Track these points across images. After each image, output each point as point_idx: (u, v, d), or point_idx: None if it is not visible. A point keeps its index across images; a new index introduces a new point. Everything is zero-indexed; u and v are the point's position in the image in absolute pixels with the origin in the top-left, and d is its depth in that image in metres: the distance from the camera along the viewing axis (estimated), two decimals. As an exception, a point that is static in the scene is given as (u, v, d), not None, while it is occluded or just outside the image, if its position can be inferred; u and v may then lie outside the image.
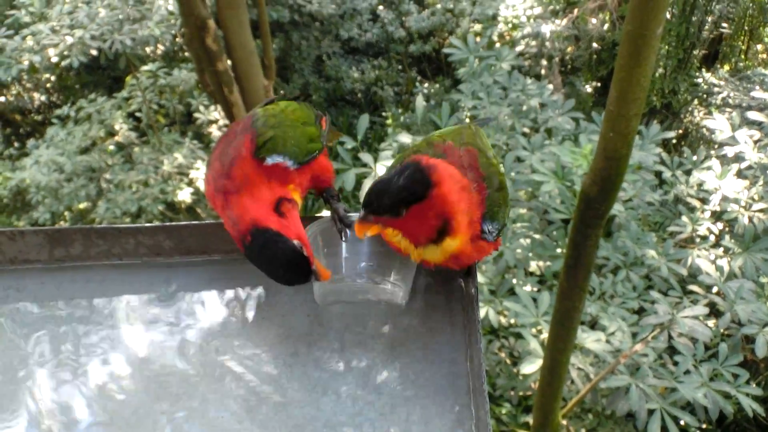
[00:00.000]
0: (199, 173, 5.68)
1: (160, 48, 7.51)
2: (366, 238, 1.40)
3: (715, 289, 3.56)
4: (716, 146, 4.72)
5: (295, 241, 1.22)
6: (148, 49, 7.11)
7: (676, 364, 3.30)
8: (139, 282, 1.49)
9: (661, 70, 7.69)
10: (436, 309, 1.40)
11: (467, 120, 5.94)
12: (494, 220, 1.23)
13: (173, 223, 1.52)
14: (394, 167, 1.24)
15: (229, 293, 1.46)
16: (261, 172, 1.29)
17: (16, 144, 7.92)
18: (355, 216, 1.45)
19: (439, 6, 8.94)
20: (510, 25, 8.11)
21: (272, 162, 1.30)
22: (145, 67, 6.70)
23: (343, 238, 1.43)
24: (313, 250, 1.31)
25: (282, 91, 8.43)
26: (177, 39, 7.50)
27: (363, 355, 1.32)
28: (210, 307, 1.44)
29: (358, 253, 1.43)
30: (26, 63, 5.89)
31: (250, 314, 1.42)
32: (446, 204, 1.17)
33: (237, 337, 1.37)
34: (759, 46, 8.94)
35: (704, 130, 6.81)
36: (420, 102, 4.18)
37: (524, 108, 4.12)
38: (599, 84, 8.46)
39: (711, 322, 3.69)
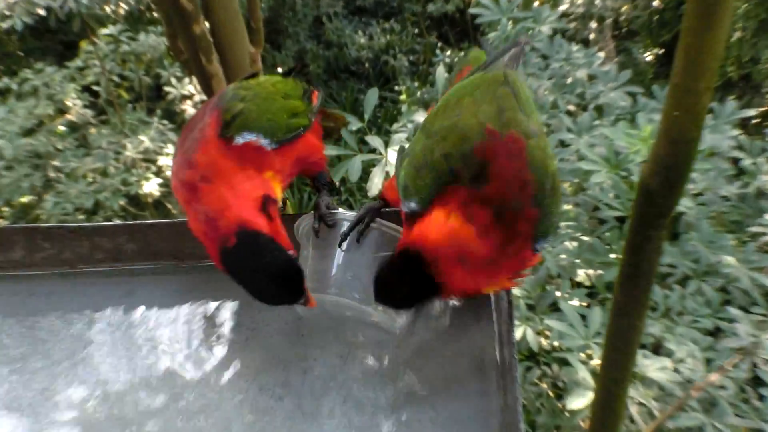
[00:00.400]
0: (169, 160, 5.68)
1: (123, 7, 7.52)
2: (365, 245, 1.40)
3: (807, 305, 3.54)
4: (808, 128, 4.68)
5: (290, 252, 1.22)
6: (107, 9, 7.11)
7: (761, 398, 3.28)
8: (95, 294, 1.48)
9: (738, 34, 7.65)
10: (462, 329, 1.38)
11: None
12: (547, 235, 1.25)
13: (137, 222, 1.52)
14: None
15: (206, 308, 1.46)
16: (230, 156, 1.28)
17: (-55, 124, 7.97)
18: (343, 214, 1.44)
19: (464, -45, 8.94)
20: (552, -21, 8.09)
21: (242, 141, 1.30)
22: (104, 31, 6.71)
23: (318, 236, 1.42)
24: (300, 249, 1.31)
25: (281, 68, 8.42)
26: (143, -4, 7.52)
27: (372, 386, 1.31)
28: (182, 324, 1.43)
29: (350, 262, 1.41)
30: (-42, 25, 5.91)
31: (232, 335, 1.41)
32: (462, 289, 1.23)
33: (215, 362, 1.36)
34: None
35: (793, 107, 6.77)
36: (441, 74, 4.16)
37: (569, 81, 4.09)
38: (662, 51, 8.41)
39: (803, 346, 3.67)
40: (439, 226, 1.20)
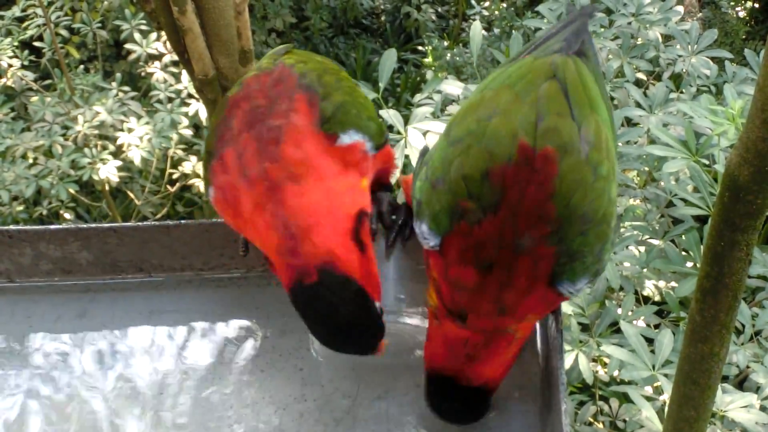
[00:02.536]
0: (131, 137, 5.69)
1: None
2: (397, 256, 1.41)
3: None
4: None
5: (377, 304, 1.23)
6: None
7: None
8: (39, 314, 1.48)
9: None
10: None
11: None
12: (578, 278, 1.26)
13: (93, 226, 1.51)
14: None
15: (179, 332, 1.46)
16: (331, 156, 1.26)
17: None
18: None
19: None
20: None
21: (350, 141, 1.28)
22: (49, -28, 6.72)
23: (385, 242, 1.41)
24: None
25: (273, 20, 8.41)
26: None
27: (386, 433, 1.32)
28: (149, 353, 1.44)
29: (385, 277, 1.41)
30: None
31: (212, 367, 1.42)
32: (501, 376, 1.34)
33: (189, 401, 1.36)
34: None
35: None
36: (477, 31, 4.18)
37: (638, 42, 4.10)
38: (757, 5, 8.39)
39: None
40: (436, 338, 1.29)
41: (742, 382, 3.54)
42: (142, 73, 6.71)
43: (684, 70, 3.99)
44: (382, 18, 9.30)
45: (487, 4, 8.86)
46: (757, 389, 3.30)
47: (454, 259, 1.21)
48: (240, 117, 1.29)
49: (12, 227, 1.51)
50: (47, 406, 1.36)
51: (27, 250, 1.49)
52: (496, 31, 7.95)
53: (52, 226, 1.51)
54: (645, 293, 3.80)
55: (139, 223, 1.48)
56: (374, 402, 1.35)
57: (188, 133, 5.62)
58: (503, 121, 1.23)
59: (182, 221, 1.51)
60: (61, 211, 5.75)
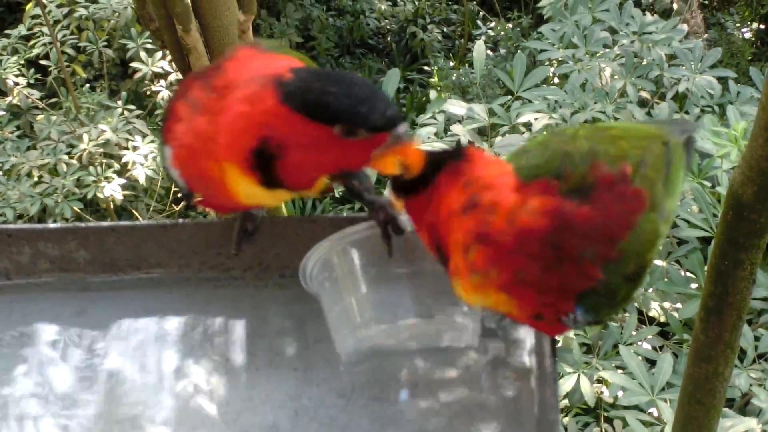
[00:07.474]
0: (136, 156, 5.70)
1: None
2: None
3: None
4: None
5: None
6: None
7: None
8: (38, 312, 1.49)
9: None
10: (498, 378, 1.39)
11: (555, 79, 5.90)
12: (592, 313, 1.26)
13: (91, 225, 1.52)
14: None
15: (176, 331, 1.47)
16: None
17: None
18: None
19: None
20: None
21: None
22: (56, -9, 6.73)
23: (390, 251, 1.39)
24: (346, 273, 1.31)
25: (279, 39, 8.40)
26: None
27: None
28: (146, 352, 1.44)
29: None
30: None
31: (209, 366, 1.42)
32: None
33: (188, 399, 1.37)
34: None
35: None
36: (480, 50, 4.17)
37: (643, 62, 4.09)
38: (763, 26, 8.38)
39: None
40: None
41: (745, 405, 3.51)
42: (148, 92, 6.73)
43: (688, 89, 3.98)
44: (388, 38, 9.32)
45: (492, 24, 8.87)
46: (758, 413, 3.28)
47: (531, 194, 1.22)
48: (191, 83, 1.33)
49: (11, 226, 1.53)
50: (37, 407, 1.36)
51: (25, 248, 1.51)
52: (502, 51, 7.95)
53: (51, 225, 1.53)
54: (651, 314, 3.78)
55: (137, 222, 1.50)
56: (369, 402, 1.35)
57: (193, 151, 5.62)
58: (610, 145, 1.31)
59: (180, 220, 1.52)
60: (66, 229, 5.75)
